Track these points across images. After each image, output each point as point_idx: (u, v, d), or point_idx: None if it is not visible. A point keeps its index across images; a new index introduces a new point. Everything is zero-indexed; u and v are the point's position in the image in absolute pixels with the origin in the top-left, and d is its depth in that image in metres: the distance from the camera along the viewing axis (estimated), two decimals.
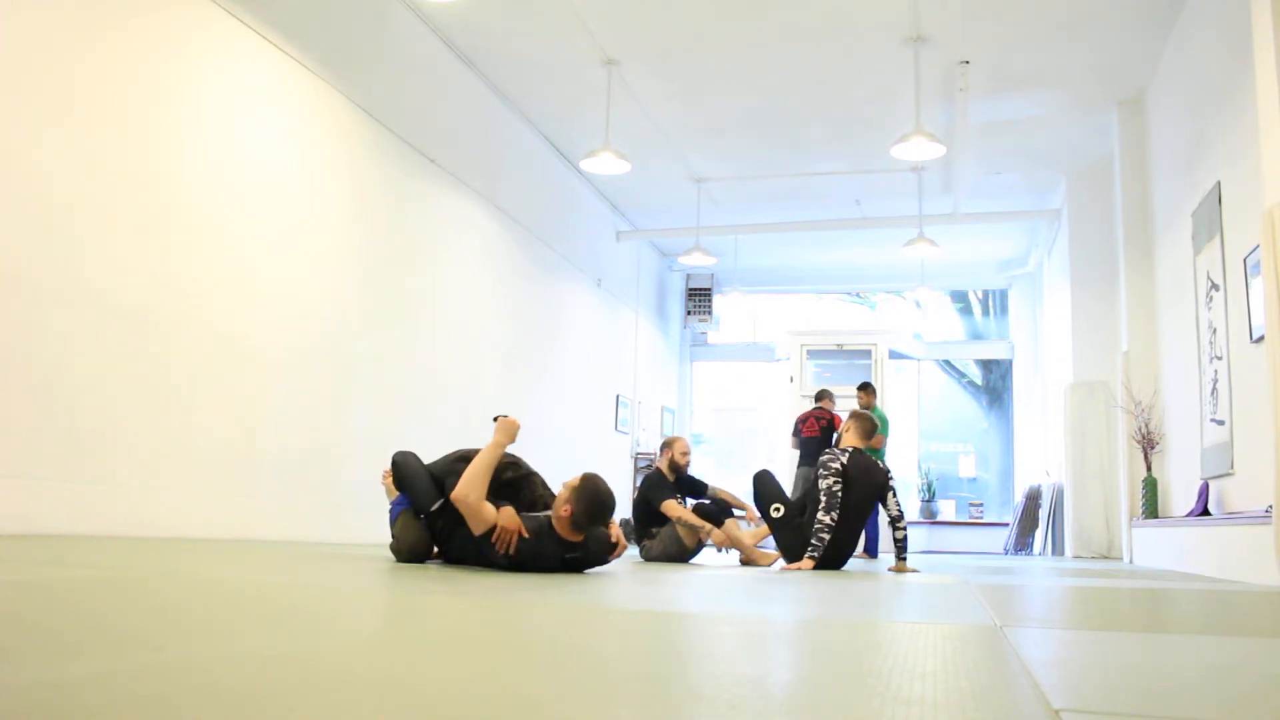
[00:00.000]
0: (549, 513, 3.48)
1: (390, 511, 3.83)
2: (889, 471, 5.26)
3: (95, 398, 4.11)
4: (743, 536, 5.69)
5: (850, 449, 5.04)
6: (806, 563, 4.81)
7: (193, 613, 1.70)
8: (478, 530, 3.39)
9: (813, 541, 4.80)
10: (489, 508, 3.39)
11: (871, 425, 5.28)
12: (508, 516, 3.37)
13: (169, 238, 4.55)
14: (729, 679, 1.19)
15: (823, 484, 4.89)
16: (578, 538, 3.41)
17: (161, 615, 1.64)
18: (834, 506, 4.81)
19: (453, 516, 3.61)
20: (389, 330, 6.34)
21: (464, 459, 3.62)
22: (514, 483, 3.65)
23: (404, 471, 3.69)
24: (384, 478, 4.06)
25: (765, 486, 5.26)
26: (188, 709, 0.88)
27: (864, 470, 4.98)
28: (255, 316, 5.10)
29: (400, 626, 1.76)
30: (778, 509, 5.08)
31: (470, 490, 3.37)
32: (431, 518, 3.67)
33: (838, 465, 4.91)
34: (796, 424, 8.14)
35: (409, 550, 3.72)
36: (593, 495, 3.35)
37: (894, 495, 5.04)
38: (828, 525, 4.77)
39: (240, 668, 1.12)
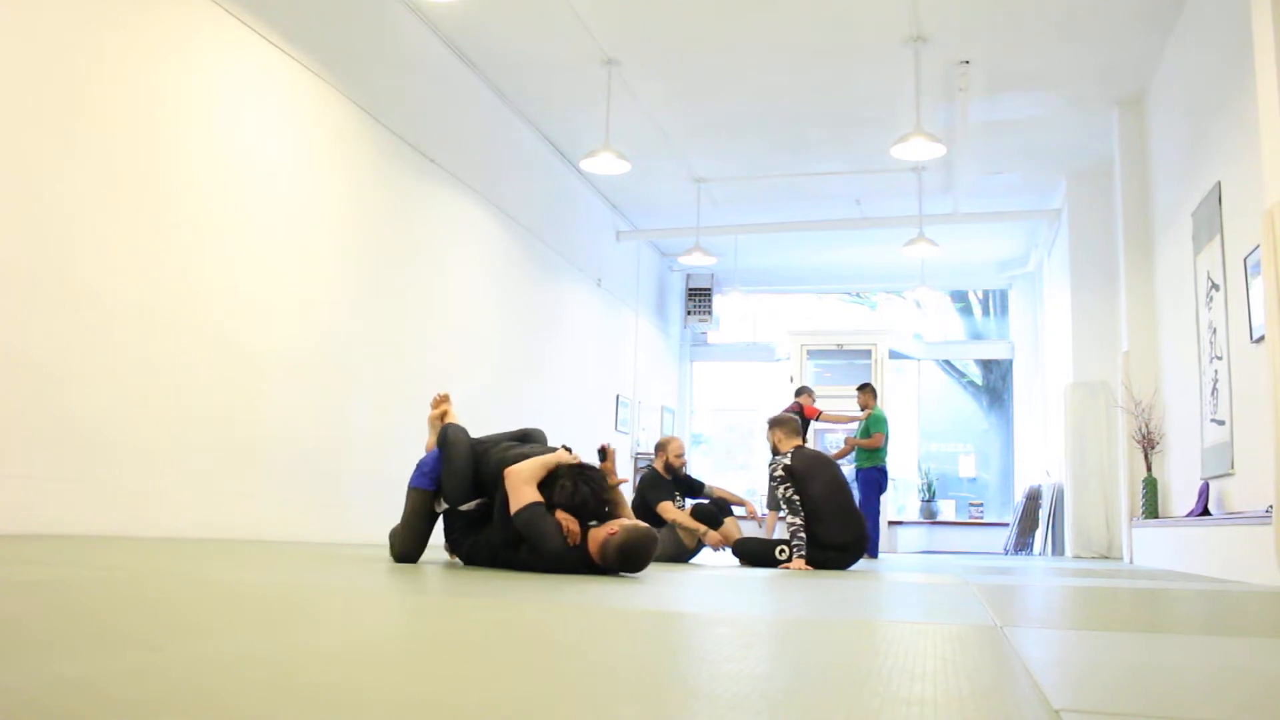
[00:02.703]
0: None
1: (415, 476, 3.76)
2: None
3: (95, 397, 4.11)
4: (737, 535, 5.70)
5: (790, 451, 5.23)
6: (797, 562, 4.97)
7: (190, 613, 1.70)
8: (514, 505, 3.42)
9: (793, 543, 5.00)
10: (531, 490, 3.43)
11: (793, 423, 5.50)
12: (565, 516, 3.40)
13: (169, 237, 4.55)
14: (729, 678, 1.19)
15: (778, 495, 5.13)
16: (599, 563, 3.42)
17: (159, 615, 1.64)
18: (796, 510, 5.02)
19: (477, 517, 3.63)
20: (389, 330, 6.34)
21: (522, 439, 3.73)
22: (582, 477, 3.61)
23: (450, 455, 3.68)
24: (436, 404, 4.07)
25: (751, 548, 5.38)
26: (186, 710, 0.88)
27: (812, 462, 5.21)
28: (255, 316, 5.10)
29: (399, 627, 1.76)
30: (782, 550, 5.16)
31: (524, 469, 3.48)
32: (453, 512, 3.67)
33: (781, 472, 5.14)
34: None
35: (409, 546, 3.70)
36: (631, 551, 3.34)
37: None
38: (799, 525, 5.00)
39: (237, 669, 1.12)
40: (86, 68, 4.15)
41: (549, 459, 3.56)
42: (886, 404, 11.33)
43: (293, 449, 5.34)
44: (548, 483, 3.51)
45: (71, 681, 0.96)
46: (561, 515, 3.40)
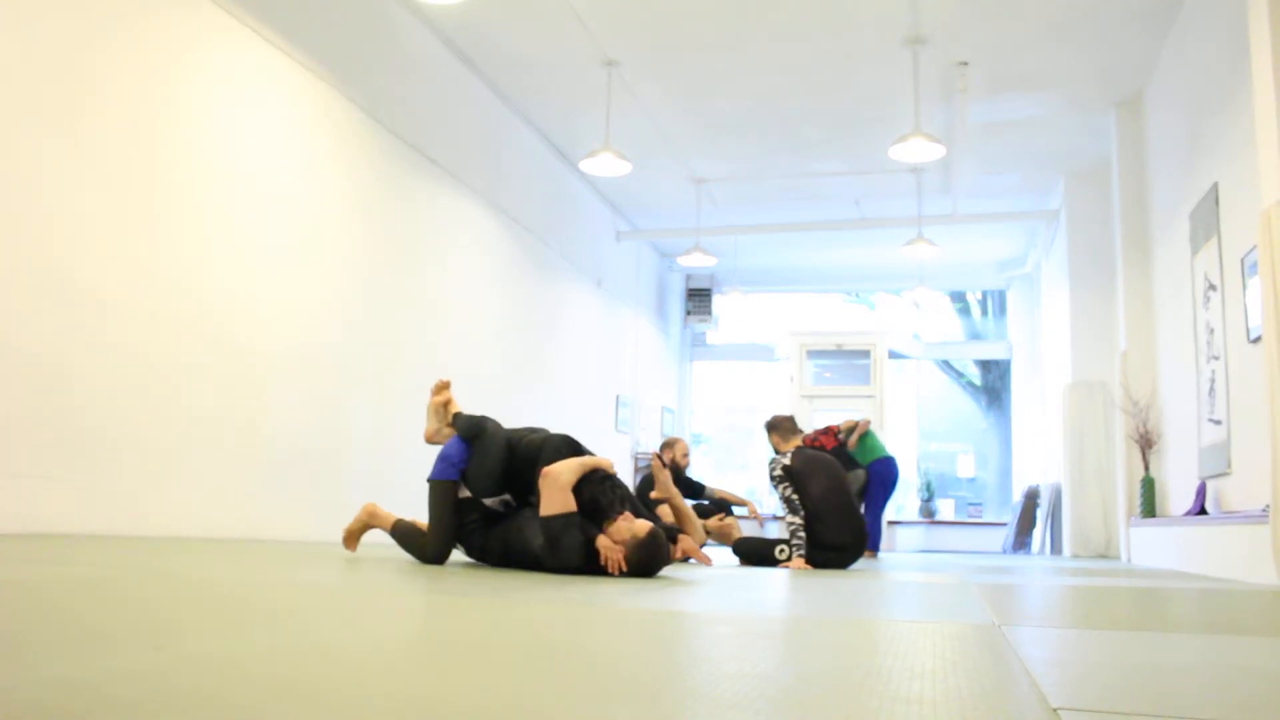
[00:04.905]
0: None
1: (440, 467, 3.67)
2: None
3: (96, 397, 4.11)
4: (698, 530, 5.65)
5: (789, 452, 5.23)
6: (797, 561, 4.99)
7: (190, 613, 1.71)
8: (547, 509, 3.33)
9: (793, 543, 5.02)
10: (569, 498, 3.34)
11: (790, 423, 5.54)
12: (608, 545, 3.30)
13: (171, 238, 4.56)
14: (729, 678, 1.20)
15: (778, 496, 5.15)
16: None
17: (159, 615, 1.64)
18: (795, 509, 5.04)
19: (493, 512, 3.60)
20: (390, 330, 6.35)
21: (537, 433, 3.72)
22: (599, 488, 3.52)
23: (484, 445, 3.60)
24: (438, 390, 3.95)
25: (750, 548, 5.39)
26: (186, 710, 0.89)
27: (812, 462, 5.21)
28: (256, 316, 5.11)
29: (399, 627, 1.77)
30: (782, 550, 5.18)
31: (565, 472, 3.36)
32: (472, 505, 3.61)
33: (780, 472, 5.14)
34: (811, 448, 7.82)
35: (442, 544, 3.62)
36: (650, 559, 3.31)
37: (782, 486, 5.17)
38: (798, 524, 5.01)
39: (237, 668, 1.13)
40: (89, 70, 4.15)
41: (588, 462, 3.46)
42: (885, 404, 11.39)
43: (293, 449, 5.35)
44: (580, 483, 3.44)
45: (72, 681, 0.97)
46: (606, 544, 3.29)
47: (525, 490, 3.60)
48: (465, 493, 3.66)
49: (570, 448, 3.60)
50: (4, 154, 3.76)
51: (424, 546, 3.66)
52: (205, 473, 4.70)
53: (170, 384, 4.52)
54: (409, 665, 1.22)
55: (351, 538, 3.83)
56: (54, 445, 3.91)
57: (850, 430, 7.71)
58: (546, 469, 3.37)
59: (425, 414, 4.09)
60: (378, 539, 4.39)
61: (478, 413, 3.92)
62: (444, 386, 4.04)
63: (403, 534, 3.75)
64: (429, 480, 3.70)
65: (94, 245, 4.15)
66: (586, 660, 1.35)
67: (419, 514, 3.86)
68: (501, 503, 3.67)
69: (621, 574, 3.34)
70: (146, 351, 4.40)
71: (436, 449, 3.93)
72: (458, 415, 3.92)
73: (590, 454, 3.63)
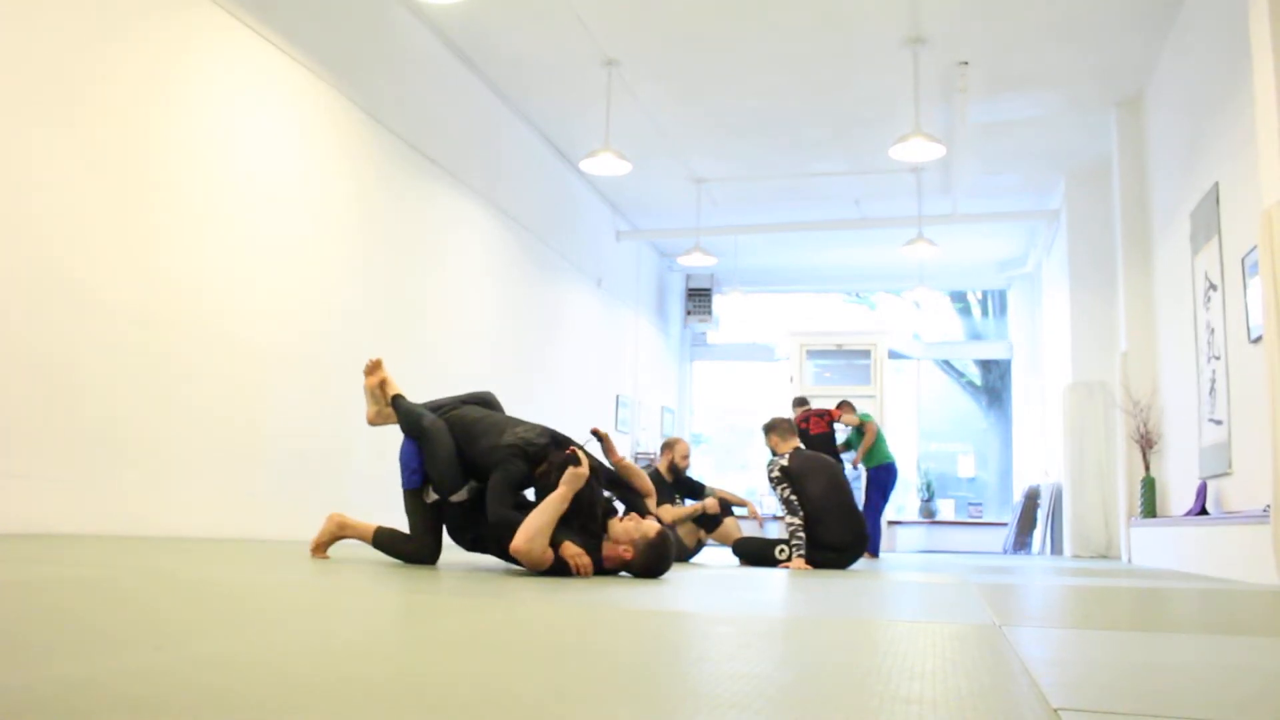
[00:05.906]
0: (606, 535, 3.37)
1: (405, 475, 3.61)
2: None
3: (97, 398, 4.11)
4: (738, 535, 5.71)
5: (787, 454, 5.25)
6: (797, 561, 5.00)
7: (191, 613, 1.70)
8: (542, 569, 3.23)
9: (793, 543, 5.04)
10: (549, 554, 3.20)
11: (788, 425, 5.53)
12: (574, 553, 3.21)
13: (171, 238, 4.56)
14: (729, 678, 1.20)
15: (777, 497, 5.18)
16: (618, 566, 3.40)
17: (160, 615, 1.64)
18: (794, 510, 5.07)
19: (474, 504, 3.57)
20: (389, 330, 6.35)
21: (479, 401, 3.69)
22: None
23: (433, 449, 3.52)
24: (370, 371, 3.78)
25: (751, 548, 5.40)
26: (188, 709, 0.89)
27: (809, 462, 5.25)
28: (257, 316, 5.11)
29: (397, 626, 1.77)
30: (781, 550, 5.18)
31: (534, 545, 3.14)
32: (445, 504, 3.58)
33: (777, 473, 5.17)
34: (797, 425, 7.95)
35: (422, 547, 3.60)
36: (659, 561, 3.30)
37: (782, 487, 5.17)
38: (798, 525, 5.04)
39: (238, 668, 1.13)
40: (88, 69, 4.15)
41: (549, 517, 3.21)
42: (885, 404, 11.38)
43: (293, 449, 5.35)
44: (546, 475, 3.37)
45: (74, 681, 0.97)
46: (571, 553, 3.23)
47: (486, 476, 3.54)
48: (432, 496, 3.60)
49: (516, 485, 3.43)
50: (4, 154, 3.76)
51: (412, 551, 3.64)
52: (205, 473, 4.70)
53: (170, 384, 4.52)
54: (409, 665, 1.22)
55: (319, 548, 3.69)
56: (54, 445, 3.91)
57: (856, 430, 7.73)
58: (515, 549, 3.16)
59: (365, 397, 3.88)
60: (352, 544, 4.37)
61: (417, 402, 3.79)
62: (375, 366, 3.82)
63: (388, 543, 3.68)
64: (402, 487, 3.69)
65: (94, 245, 4.15)
66: (586, 659, 1.35)
67: None
68: (469, 490, 3.59)
69: (614, 570, 3.34)
70: (147, 351, 4.40)
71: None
72: (397, 399, 3.77)
73: (549, 448, 3.50)
